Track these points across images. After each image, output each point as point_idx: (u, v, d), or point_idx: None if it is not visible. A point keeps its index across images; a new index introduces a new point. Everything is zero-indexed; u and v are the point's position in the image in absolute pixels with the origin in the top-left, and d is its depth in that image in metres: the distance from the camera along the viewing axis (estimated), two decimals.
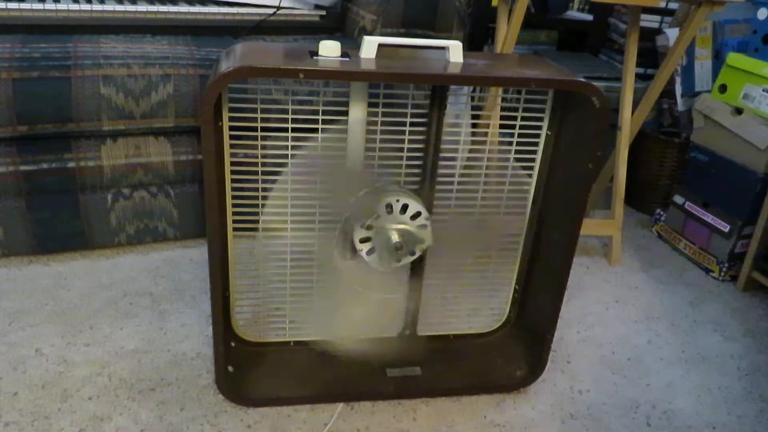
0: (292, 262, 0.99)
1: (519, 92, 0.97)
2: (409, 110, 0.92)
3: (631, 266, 1.52)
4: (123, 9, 1.42)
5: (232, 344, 1.02)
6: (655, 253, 1.59)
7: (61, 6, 1.38)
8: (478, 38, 1.97)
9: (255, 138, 0.89)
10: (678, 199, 1.60)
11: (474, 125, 1.13)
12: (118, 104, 1.22)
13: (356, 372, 1.04)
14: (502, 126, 0.99)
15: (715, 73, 1.68)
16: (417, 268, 1.03)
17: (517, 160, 0.99)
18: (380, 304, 1.05)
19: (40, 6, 1.37)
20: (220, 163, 0.89)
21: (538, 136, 0.99)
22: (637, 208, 1.85)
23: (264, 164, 0.92)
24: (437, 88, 0.90)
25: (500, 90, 1.30)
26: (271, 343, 1.07)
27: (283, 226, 0.96)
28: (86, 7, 1.40)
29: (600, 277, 1.46)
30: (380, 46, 0.84)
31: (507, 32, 1.32)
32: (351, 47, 0.86)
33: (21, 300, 1.19)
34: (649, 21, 2.02)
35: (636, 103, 1.52)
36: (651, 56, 1.88)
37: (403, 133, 0.93)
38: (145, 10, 1.44)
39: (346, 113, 0.90)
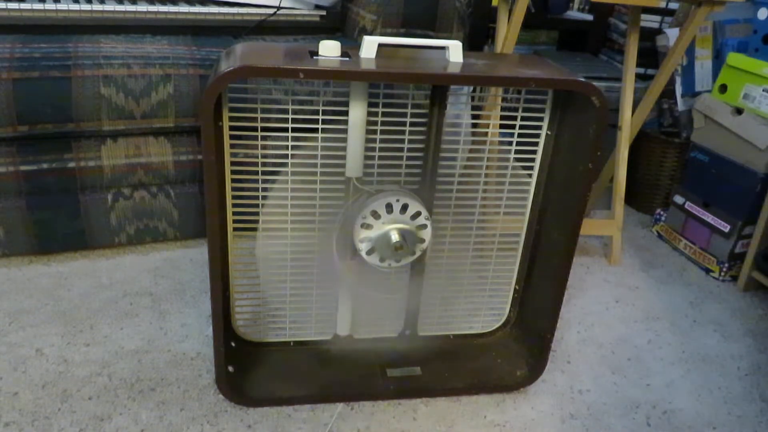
0: (292, 262, 0.99)
1: (519, 92, 0.97)
2: (409, 110, 0.92)
3: (631, 266, 1.52)
4: (123, 9, 1.43)
5: (232, 344, 1.02)
6: (655, 253, 1.59)
7: (61, 6, 1.38)
8: (478, 38, 1.97)
9: (255, 138, 0.89)
10: (678, 199, 1.60)
11: (474, 125, 1.13)
12: (118, 104, 1.22)
13: (356, 372, 1.04)
14: (502, 126, 0.99)
15: (715, 73, 1.68)
16: (417, 268, 1.03)
17: (517, 160, 0.99)
18: (380, 303, 1.05)
19: (40, 6, 1.37)
20: (220, 163, 0.89)
21: (538, 136, 0.99)
22: (637, 208, 1.85)
23: (264, 164, 0.92)
24: (437, 88, 0.90)
25: (500, 90, 1.30)
26: (271, 343, 1.07)
27: (283, 226, 0.96)
28: (86, 7, 1.40)
29: (600, 277, 1.46)
30: (380, 46, 0.84)
31: (507, 32, 1.32)
32: (351, 47, 0.86)
33: (21, 300, 1.19)
34: (649, 21, 2.02)
35: (636, 103, 1.52)
36: (651, 56, 1.88)
37: (403, 133, 0.93)
38: (145, 10, 1.44)
39: (346, 113, 0.90)
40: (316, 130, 0.90)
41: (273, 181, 0.93)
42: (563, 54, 2.08)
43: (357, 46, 0.85)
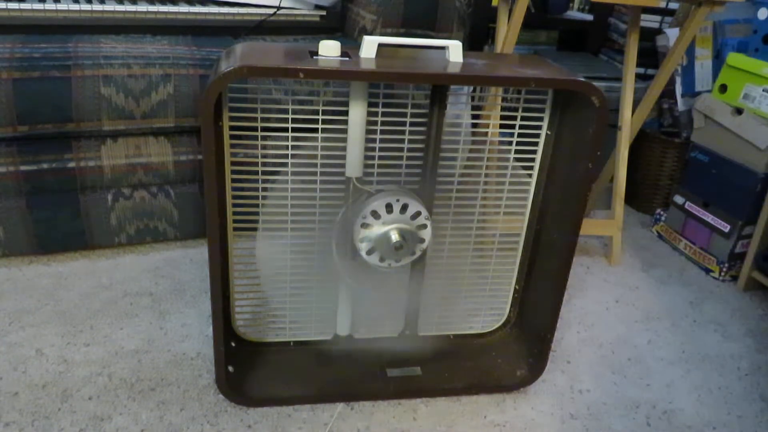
0: (292, 262, 0.99)
1: (519, 92, 0.97)
2: (409, 110, 0.92)
3: (631, 266, 1.52)
4: (123, 9, 1.42)
5: (232, 344, 1.02)
6: (655, 253, 1.59)
7: (61, 6, 1.38)
8: (478, 38, 1.97)
9: (255, 138, 0.89)
10: (678, 199, 1.60)
11: (474, 125, 1.13)
12: (118, 104, 1.22)
13: (356, 372, 1.04)
14: (502, 126, 0.99)
15: (716, 73, 1.68)
16: (417, 268, 1.03)
17: (517, 160, 0.99)
18: (380, 303, 1.05)
19: (40, 6, 1.37)
20: (220, 163, 0.89)
21: (538, 136, 0.99)
22: (637, 208, 1.85)
23: (264, 164, 0.92)
24: (437, 88, 0.90)
25: (500, 90, 1.30)
26: (271, 343, 1.07)
27: (283, 226, 0.96)
28: (86, 7, 1.40)
29: (600, 277, 1.46)
30: (380, 45, 0.84)
31: (507, 32, 1.32)
32: (351, 47, 0.86)
33: (21, 300, 1.19)
34: (649, 21, 2.02)
35: (636, 103, 1.52)
36: (651, 56, 1.88)
37: (403, 133, 0.93)
38: (145, 10, 1.44)
39: (346, 113, 0.90)
40: (316, 130, 0.90)
41: (273, 181, 0.93)
42: (563, 54, 2.08)
43: (357, 46, 0.85)
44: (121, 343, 1.09)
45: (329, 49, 0.82)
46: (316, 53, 0.83)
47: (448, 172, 0.97)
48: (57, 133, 1.21)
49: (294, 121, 0.89)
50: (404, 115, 0.92)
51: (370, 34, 1.45)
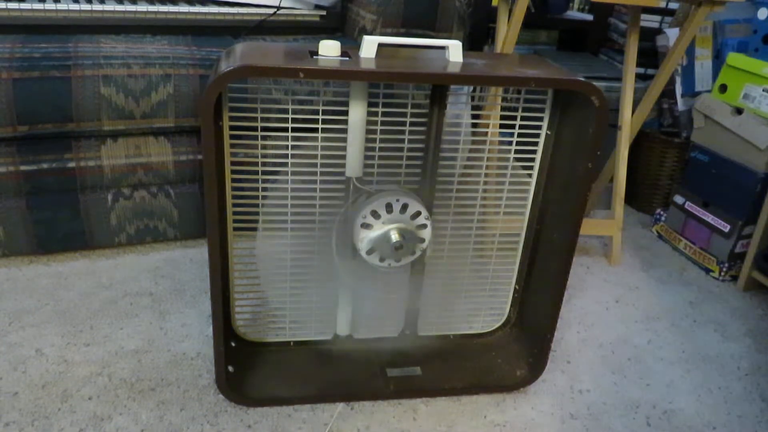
0: (292, 262, 0.99)
1: (519, 92, 0.97)
2: (409, 110, 0.92)
3: (631, 266, 1.52)
4: (123, 9, 1.43)
5: (232, 344, 1.02)
6: (655, 253, 1.59)
7: (61, 6, 1.38)
8: (478, 38, 1.97)
9: (255, 138, 0.89)
10: (678, 199, 1.60)
11: (474, 125, 1.13)
12: (118, 104, 1.22)
13: (356, 372, 1.04)
14: (502, 126, 0.99)
15: (716, 73, 1.68)
16: (417, 268, 1.03)
17: (517, 160, 0.99)
18: (380, 303, 1.05)
19: (40, 6, 1.37)
20: (220, 163, 0.89)
21: (538, 135, 0.99)
22: (637, 208, 1.85)
23: (264, 164, 0.92)
24: (437, 88, 0.90)
25: (500, 90, 1.30)
26: (271, 343, 1.07)
27: (283, 226, 0.96)
28: (86, 7, 1.40)
29: (600, 277, 1.46)
30: (380, 45, 0.84)
31: (507, 32, 1.32)
32: (351, 47, 0.86)
33: (21, 300, 1.19)
34: (649, 21, 2.02)
35: (636, 103, 1.52)
36: (651, 56, 1.89)
37: (403, 133, 0.93)
38: (145, 10, 1.44)
39: (346, 113, 0.90)
40: (316, 130, 0.90)
41: (273, 181, 0.93)
42: (563, 54, 2.08)
43: (357, 46, 0.85)
44: (121, 343, 1.09)
45: (329, 49, 0.82)
46: (316, 53, 0.83)
47: (448, 172, 0.97)
48: (57, 133, 1.21)
49: (294, 121, 0.89)
50: (404, 115, 0.92)
51: (370, 34, 1.45)
